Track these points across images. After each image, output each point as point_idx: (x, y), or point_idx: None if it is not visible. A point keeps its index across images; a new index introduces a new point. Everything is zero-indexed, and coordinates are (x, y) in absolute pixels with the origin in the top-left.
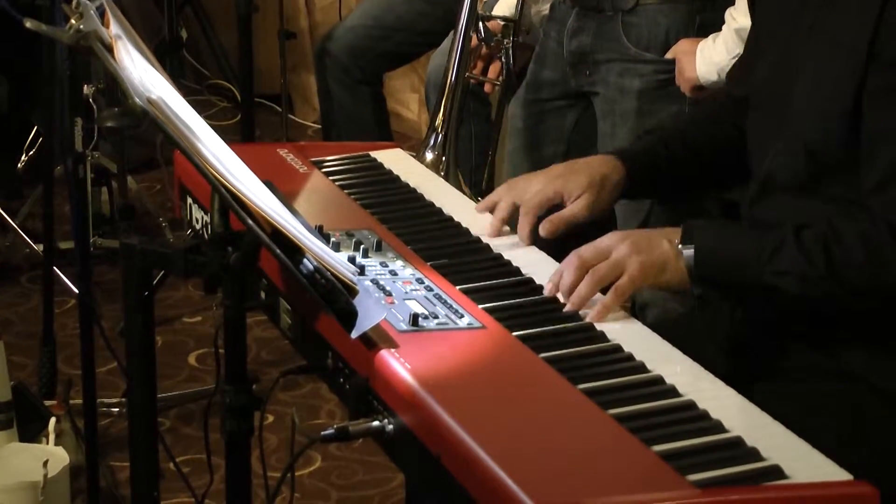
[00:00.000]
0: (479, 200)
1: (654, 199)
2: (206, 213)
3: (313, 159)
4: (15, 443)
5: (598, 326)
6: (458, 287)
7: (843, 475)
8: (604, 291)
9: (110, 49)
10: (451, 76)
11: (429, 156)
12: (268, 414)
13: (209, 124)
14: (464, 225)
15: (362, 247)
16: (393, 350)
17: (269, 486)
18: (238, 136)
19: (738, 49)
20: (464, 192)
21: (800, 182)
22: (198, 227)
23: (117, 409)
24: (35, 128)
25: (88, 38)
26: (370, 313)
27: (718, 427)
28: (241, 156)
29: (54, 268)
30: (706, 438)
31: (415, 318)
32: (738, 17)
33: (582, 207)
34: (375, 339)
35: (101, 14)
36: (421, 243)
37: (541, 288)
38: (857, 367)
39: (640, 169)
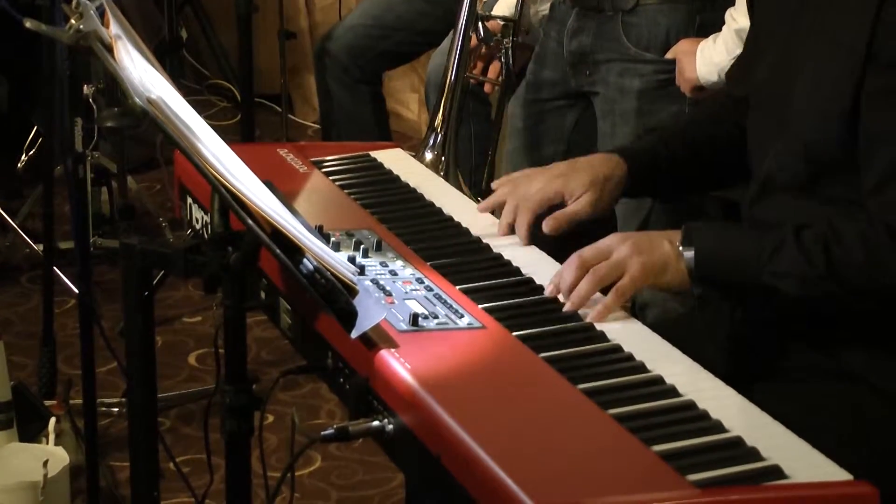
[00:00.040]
0: (479, 200)
1: (655, 198)
2: (206, 213)
3: (313, 159)
4: (15, 443)
5: (598, 326)
6: (458, 287)
7: (843, 475)
8: (604, 293)
9: (110, 49)
10: (451, 76)
11: (428, 155)
12: (268, 414)
13: (209, 124)
14: (464, 225)
15: (362, 247)
16: (393, 350)
17: (269, 486)
18: (238, 136)
19: (739, 49)
20: (463, 192)
21: (799, 182)
22: (198, 226)
23: (117, 409)
24: (35, 128)
25: (88, 38)
26: (370, 313)
27: (718, 427)
28: (241, 156)
29: (54, 268)
30: (706, 438)
31: (415, 318)
32: (738, 18)
33: (585, 205)
34: (375, 339)
35: (101, 14)
36: (421, 243)
37: (541, 288)
38: (857, 367)
39: (640, 167)
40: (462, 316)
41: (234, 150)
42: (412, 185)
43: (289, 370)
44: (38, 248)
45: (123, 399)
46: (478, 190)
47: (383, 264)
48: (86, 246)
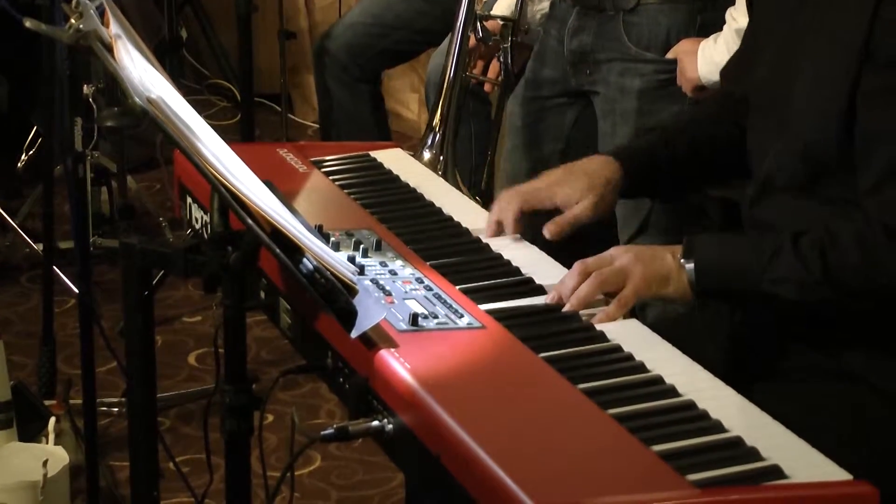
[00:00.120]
0: (478, 200)
1: (653, 198)
2: (205, 213)
3: (313, 159)
4: (14, 442)
5: (598, 326)
6: (457, 287)
7: (842, 475)
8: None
9: (110, 49)
10: (449, 75)
11: (426, 155)
12: (267, 413)
13: (209, 124)
14: (463, 225)
15: (362, 246)
16: (392, 350)
17: (269, 486)
18: (238, 135)
19: None
20: (461, 192)
21: (799, 182)
22: (197, 226)
23: (117, 409)
24: (35, 127)
25: (88, 38)
26: (370, 313)
27: (718, 427)
28: (241, 155)
29: (54, 267)
30: (706, 438)
31: (414, 318)
32: (739, 17)
33: (586, 209)
34: (375, 339)
35: (101, 13)
36: (420, 243)
37: (541, 288)
38: (857, 367)
39: (637, 168)
40: (462, 316)
41: (233, 150)
42: (412, 184)
43: (288, 370)
44: (38, 247)
45: (123, 399)
46: (478, 190)
47: (383, 264)
48: (86, 246)
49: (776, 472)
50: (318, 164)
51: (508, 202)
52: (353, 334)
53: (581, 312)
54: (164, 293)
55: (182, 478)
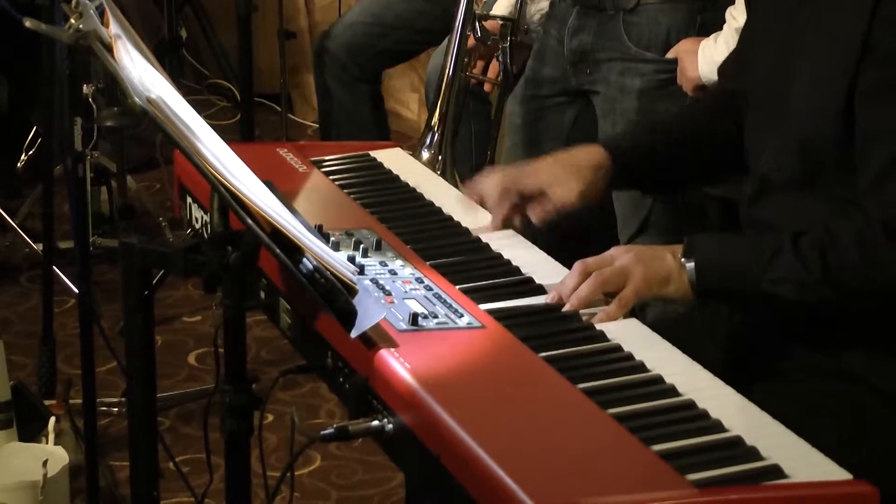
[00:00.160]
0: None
1: (644, 191)
2: (205, 213)
3: (313, 159)
4: (14, 442)
5: (598, 326)
6: (457, 286)
7: (842, 475)
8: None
9: (110, 48)
10: (448, 74)
11: (425, 154)
12: (267, 413)
13: (209, 124)
14: (463, 224)
15: (362, 246)
16: (392, 349)
17: (269, 486)
18: (238, 135)
19: None
20: (461, 191)
21: (797, 181)
22: (197, 226)
23: (117, 409)
24: (35, 127)
25: (88, 38)
26: (370, 313)
27: (718, 426)
28: (241, 155)
29: (54, 267)
30: (705, 438)
31: (414, 318)
32: (739, 17)
33: (572, 195)
34: (375, 339)
35: (101, 13)
36: (420, 243)
37: (541, 287)
38: (857, 367)
39: (627, 160)
40: (462, 315)
41: (233, 150)
42: (412, 184)
43: (288, 370)
44: (38, 247)
45: (123, 399)
46: None
47: (383, 264)
48: (85, 245)
49: (776, 471)
50: (318, 164)
51: (491, 177)
52: (353, 334)
53: (581, 312)
54: (164, 293)
55: (182, 478)
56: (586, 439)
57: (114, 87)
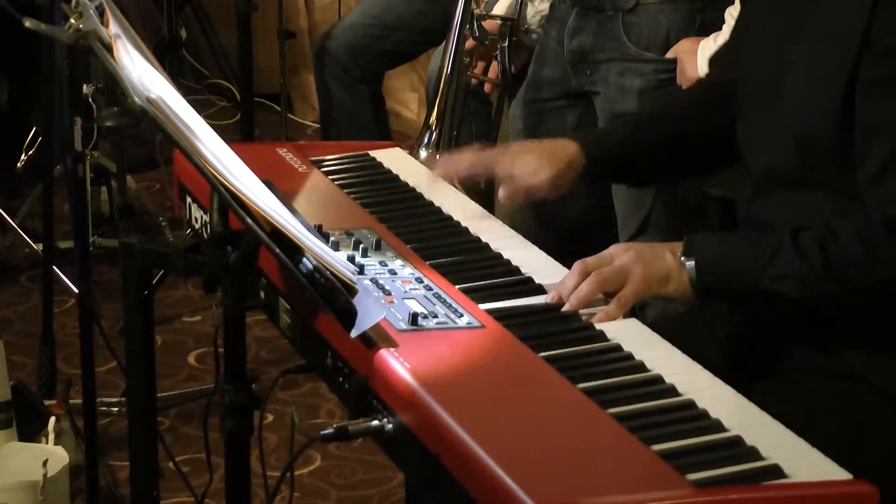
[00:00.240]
0: (477, 199)
1: (626, 184)
2: (205, 213)
3: (312, 158)
4: (14, 442)
5: (598, 326)
6: (457, 286)
7: (842, 474)
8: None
9: (109, 48)
10: (446, 73)
11: (423, 153)
12: (267, 413)
13: (208, 124)
14: (463, 224)
15: (361, 246)
16: (392, 349)
17: (269, 486)
18: (237, 135)
19: None
20: (458, 190)
21: (795, 177)
22: (197, 226)
23: (117, 409)
24: (34, 127)
25: (88, 38)
26: (369, 312)
27: (718, 426)
28: (241, 155)
29: (54, 267)
30: (705, 437)
31: (414, 318)
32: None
33: (542, 182)
34: (375, 339)
35: (101, 13)
36: (420, 242)
37: (540, 287)
38: (857, 367)
39: (600, 154)
40: (461, 315)
41: (233, 150)
42: (411, 184)
43: (288, 369)
44: (38, 247)
45: (123, 398)
46: (477, 189)
47: (382, 263)
48: (85, 245)
49: (776, 471)
50: (318, 164)
51: (464, 155)
52: (353, 334)
53: (581, 312)
54: (164, 293)
55: (182, 477)
56: (586, 439)
57: (114, 87)
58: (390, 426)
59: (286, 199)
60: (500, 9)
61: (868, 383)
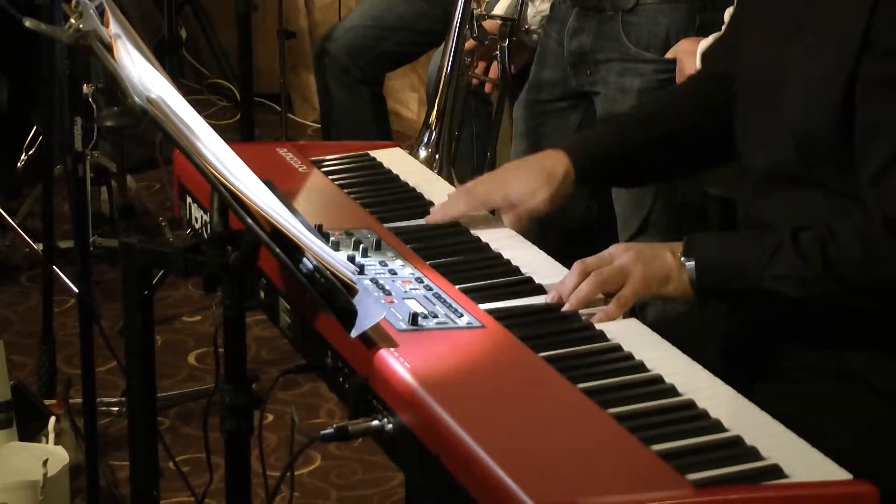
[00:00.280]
0: None
1: (619, 185)
2: (205, 213)
3: (313, 158)
4: (14, 442)
5: (598, 326)
6: (457, 286)
7: (842, 474)
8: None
9: (110, 48)
10: (445, 72)
11: (422, 152)
12: (267, 413)
13: (209, 123)
14: (463, 224)
15: (361, 246)
16: (392, 349)
17: (269, 486)
18: (237, 135)
19: None
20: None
21: (794, 177)
22: (197, 226)
23: (117, 409)
24: (35, 127)
25: (88, 38)
26: (369, 312)
27: (717, 426)
28: (241, 155)
29: (54, 267)
30: (705, 437)
31: (414, 318)
32: None
33: (542, 202)
34: (375, 339)
35: (101, 13)
36: (420, 242)
37: (541, 287)
38: (857, 367)
39: (587, 162)
40: (461, 315)
41: (233, 150)
42: (411, 184)
43: (288, 369)
44: (38, 247)
45: (123, 398)
46: None
47: (383, 263)
48: (85, 245)
49: (776, 471)
50: (318, 164)
51: (457, 204)
52: (353, 334)
53: (581, 312)
54: (163, 293)
55: (182, 477)
56: (586, 439)
57: (114, 86)
58: (390, 426)
59: (286, 199)
60: (500, 9)
61: (868, 383)
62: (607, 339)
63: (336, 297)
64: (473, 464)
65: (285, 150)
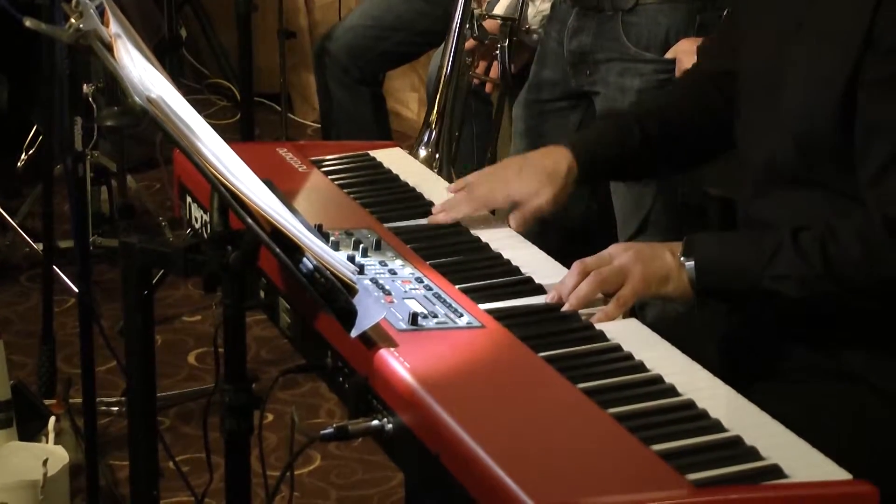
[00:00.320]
0: None
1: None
2: (205, 212)
3: (312, 158)
4: (14, 442)
5: (598, 326)
6: (457, 286)
7: (842, 474)
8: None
9: (110, 48)
10: (445, 72)
11: (422, 152)
12: (267, 413)
13: (209, 123)
14: (463, 224)
15: (361, 246)
16: (392, 349)
17: (269, 485)
18: (237, 135)
19: None
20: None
21: (794, 177)
22: (197, 226)
23: (117, 408)
24: (35, 127)
25: (88, 37)
26: (369, 312)
27: (717, 426)
28: (241, 155)
29: (54, 267)
30: (705, 437)
31: (414, 318)
32: None
33: (546, 201)
34: (375, 339)
35: (101, 13)
36: (420, 242)
37: (540, 287)
38: (857, 367)
39: (590, 158)
40: (461, 315)
41: (233, 149)
42: (411, 184)
43: (288, 369)
44: (38, 247)
45: (123, 398)
46: None
47: (382, 263)
48: (85, 245)
49: (776, 471)
50: (318, 164)
51: (459, 206)
52: (353, 334)
53: (580, 312)
54: (163, 292)
55: (182, 477)
56: (586, 439)
57: (114, 86)
58: (390, 426)
59: (286, 198)
60: (500, 9)
61: (868, 383)
62: (607, 339)
63: (336, 296)
64: (473, 464)
65: (285, 149)
